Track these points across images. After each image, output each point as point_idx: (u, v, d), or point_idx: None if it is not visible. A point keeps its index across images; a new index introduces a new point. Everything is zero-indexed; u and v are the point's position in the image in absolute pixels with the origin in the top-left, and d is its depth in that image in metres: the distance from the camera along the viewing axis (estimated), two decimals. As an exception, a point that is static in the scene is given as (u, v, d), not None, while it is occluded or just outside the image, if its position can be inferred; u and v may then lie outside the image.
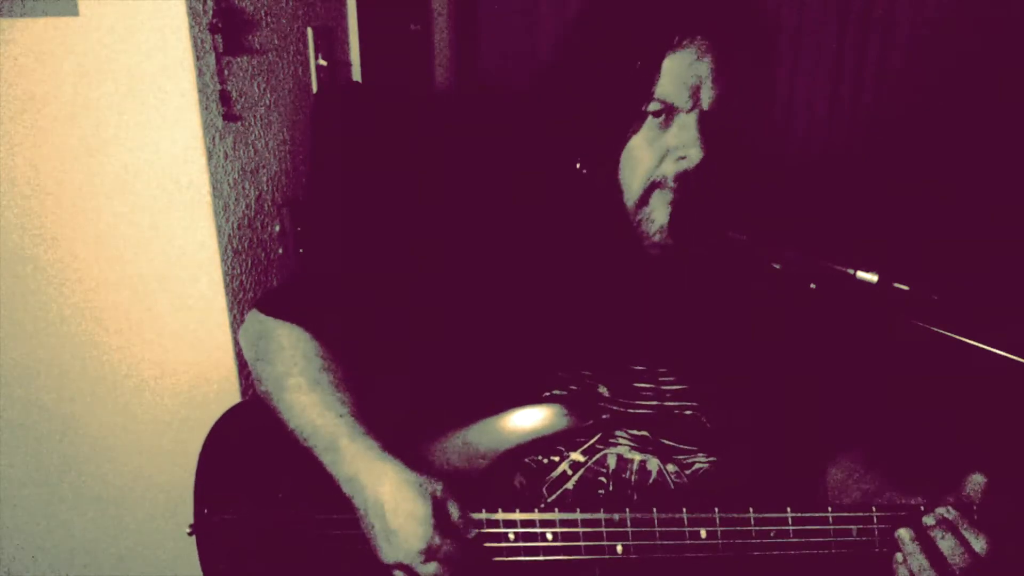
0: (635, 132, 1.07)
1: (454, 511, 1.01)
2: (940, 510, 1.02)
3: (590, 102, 1.08)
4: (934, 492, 1.06)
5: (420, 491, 0.99)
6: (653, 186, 1.09)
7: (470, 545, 1.02)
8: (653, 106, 1.05)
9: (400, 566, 0.99)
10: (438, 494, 1.00)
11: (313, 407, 1.06)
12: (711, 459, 1.16)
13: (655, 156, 1.08)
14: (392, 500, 0.98)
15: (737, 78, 1.06)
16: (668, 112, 1.06)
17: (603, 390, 1.16)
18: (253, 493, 1.11)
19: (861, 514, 1.04)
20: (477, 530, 1.03)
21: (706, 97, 1.05)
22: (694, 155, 1.05)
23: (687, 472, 1.15)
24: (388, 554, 0.99)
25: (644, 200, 1.10)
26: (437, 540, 0.97)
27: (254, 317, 1.18)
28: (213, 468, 1.16)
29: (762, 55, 1.09)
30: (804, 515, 1.04)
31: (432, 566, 0.98)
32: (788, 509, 1.04)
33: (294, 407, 1.08)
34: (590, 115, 1.08)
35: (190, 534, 1.13)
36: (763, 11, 1.10)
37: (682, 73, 1.04)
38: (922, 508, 1.04)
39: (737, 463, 1.18)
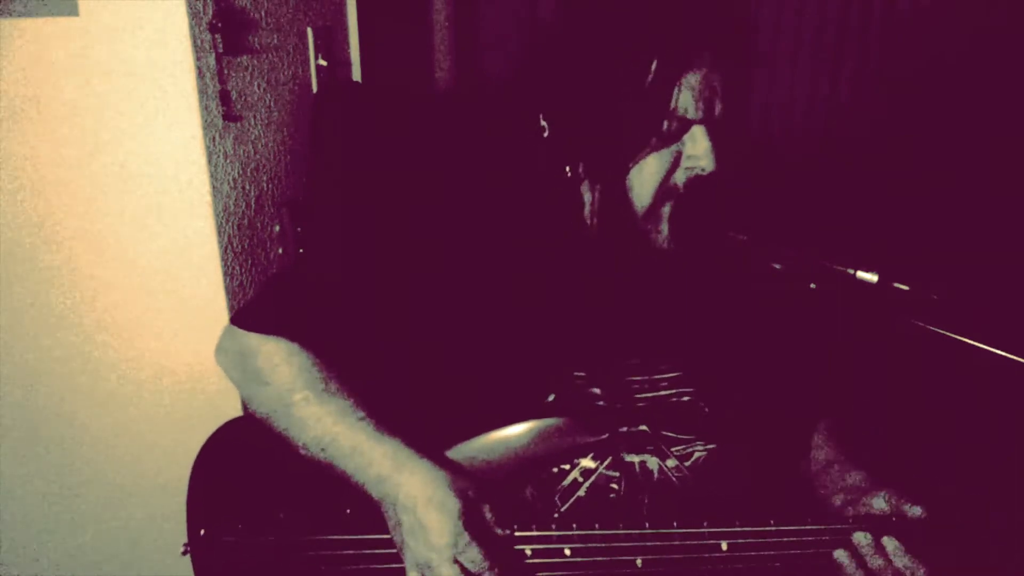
0: (648, 144, 1.07)
1: (487, 512, 1.01)
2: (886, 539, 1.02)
3: (602, 113, 1.07)
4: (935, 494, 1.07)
5: (452, 487, 0.99)
6: (664, 195, 1.09)
7: (500, 550, 1.01)
8: (671, 125, 1.06)
9: (425, 567, 0.98)
10: (470, 493, 1.00)
11: (327, 416, 1.05)
12: (709, 447, 1.16)
13: (667, 166, 1.08)
14: (424, 494, 0.98)
15: (740, 87, 1.07)
16: (682, 124, 1.06)
17: (596, 391, 1.16)
18: (252, 513, 1.10)
19: (877, 525, 1.04)
20: (509, 531, 1.02)
21: (717, 108, 1.06)
22: (707, 165, 1.06)
23: (687, 464, 1.15)
24: (415, 551, 0.98)
25: (654, 210, 1.10)
26: (467, 538, 0.97)
27: (232, 335, 1.13)
28: (208, 487, 1.14)
29: (749, 63, 1.12)
30: (825, 527, 1.04)
31: (457, 569, 0.97)
32: (808, 520, 1.04)
33: (306, 420, 1.05)
34: (601, 126, 1.07)
35: (184, 553, 1.12)
36: (753, 20, 1.12)
37: (698, 86, 1.04)
38: (923, 516, 1.04)
39: (734, 449, 1.18)
